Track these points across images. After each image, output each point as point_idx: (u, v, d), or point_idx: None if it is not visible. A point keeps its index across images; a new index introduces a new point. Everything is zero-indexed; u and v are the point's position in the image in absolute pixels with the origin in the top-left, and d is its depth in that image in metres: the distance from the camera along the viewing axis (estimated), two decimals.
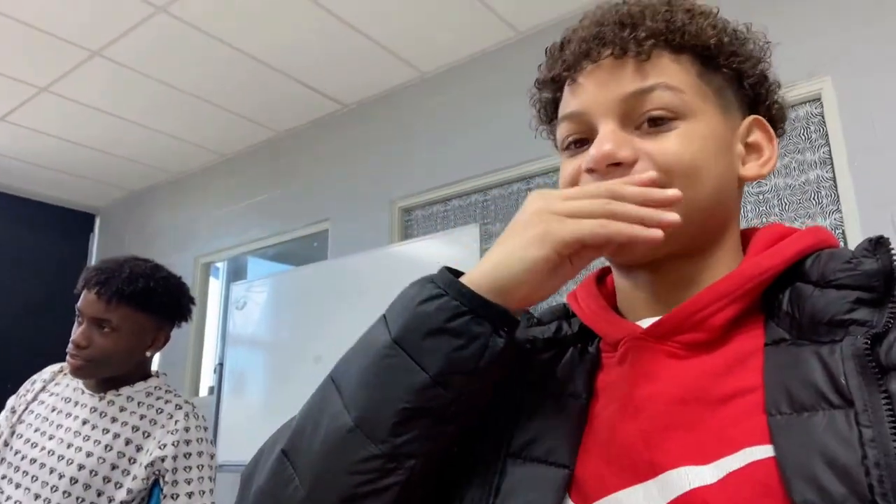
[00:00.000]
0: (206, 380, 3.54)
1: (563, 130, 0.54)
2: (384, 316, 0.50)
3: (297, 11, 2.51)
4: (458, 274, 0.49)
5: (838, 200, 1.87)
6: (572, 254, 0.46)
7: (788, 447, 0.39)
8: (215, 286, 3.82)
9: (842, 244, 0.50)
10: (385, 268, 2.61)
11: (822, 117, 1.94)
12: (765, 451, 0.40)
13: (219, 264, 3.83)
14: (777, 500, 0.38)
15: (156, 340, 1.36)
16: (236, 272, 3.79)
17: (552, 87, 0.56)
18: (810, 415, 0.40)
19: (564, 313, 0.58)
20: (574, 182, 0.52)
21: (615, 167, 0.49)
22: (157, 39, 2.67)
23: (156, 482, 1.25)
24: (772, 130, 0.55)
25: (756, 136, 0.54)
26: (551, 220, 0.46)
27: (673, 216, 0.44)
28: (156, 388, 1.36)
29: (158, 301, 1.34)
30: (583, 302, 0.56)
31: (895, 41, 1.86)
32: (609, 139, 0.49)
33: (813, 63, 1.97)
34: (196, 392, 3.54)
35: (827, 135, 1.92)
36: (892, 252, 0.45)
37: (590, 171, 0.50)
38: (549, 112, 0.59)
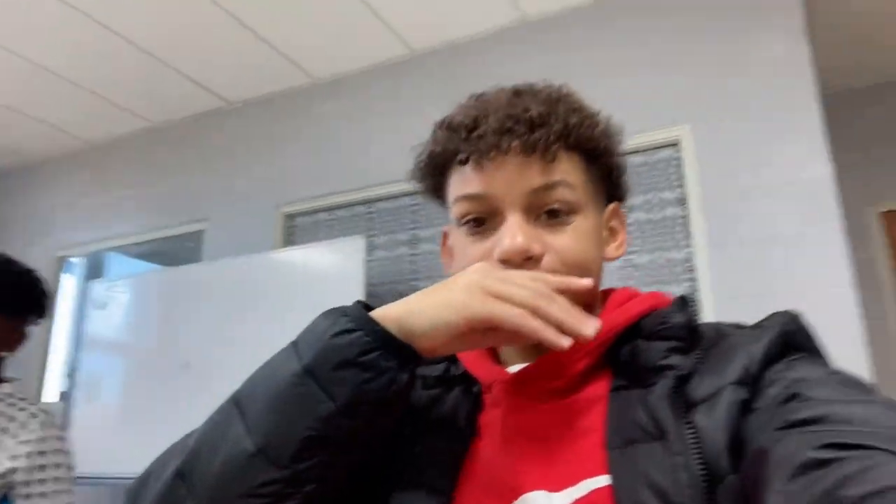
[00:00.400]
0: (54, 384, 3.24)
1: (462, 208, 0.58)
2: (294, 343, 0.51)
3: (185, 1, 2.41)
4: (369, 307, 0.52)
5: (690, 236, 2.09)
6: (486, 329, 0.49)
7: (620, 476, 0.46)
8: (69, 284, 3.52)
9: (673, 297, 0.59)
10: (266, 274, 2.55)
11: (680, 161, 2.17)
12: (604, 481, 0.47)
13: (74, 260, 3.53)
14: None
15: (12, 340, 1.26)
16: (94, 269, 3.52)
17: (449, 159, 0.59)
18: (636, 447, 0.47)
19: (452, 356, 0.62)
20: None
21: (527, 259, 0.54)
22: (22, 12, 2.45)
23: (6, 495, 1.15)
24: (623, 214, 0.63)
25: (614, 222, 0.62)
26: (476, 293, 0.48)
27: (589, 333, 0.48)
28: (8, 394, 1.25)
29: (13, 297, 1.24)
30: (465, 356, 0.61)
31: (746, 95, 2.12)
32: (521, 233, 0.54)
33: (675, 111, 2.20)
34: (40, 397, 3.23)
35: (683, 177, 2.15)
36: (693, 308, 0.55)
37: (503, 261, 0.54)
38: (432, 173, 0.62)
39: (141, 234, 3.24)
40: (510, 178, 0.55)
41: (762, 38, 2.14)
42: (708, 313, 1.99)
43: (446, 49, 2.72)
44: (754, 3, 2.19)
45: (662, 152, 2.20)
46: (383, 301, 0.52)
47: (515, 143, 0.54)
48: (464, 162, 0.57)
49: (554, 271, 0.54)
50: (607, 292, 0.62)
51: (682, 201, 2.14)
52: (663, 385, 0.49)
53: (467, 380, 0.60)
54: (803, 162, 2.00)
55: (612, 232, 0.62)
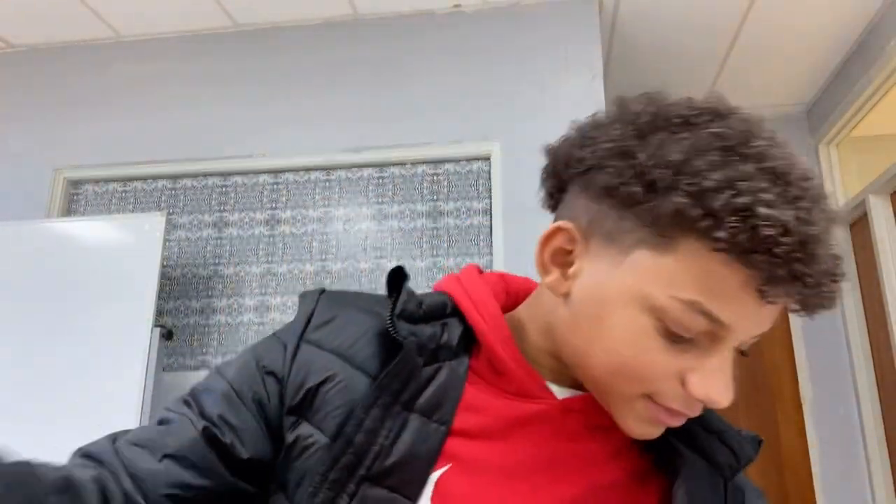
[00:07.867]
0: None
1: (694, 321, 0.45)
2: None
3: None
4: None
5: (491, 245, 2.26)
6: None
7: None
8: None
9: None
10: (36, 245, 2.25)
11: (489, 174, 2.34)
12: None
13: None
14: None
15: None
16: None
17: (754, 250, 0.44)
18: None
19: (444, 312, 0.54)
20: None
21: None
22: None
23: None
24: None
25: None
26: None
27: None
28: None
29: None
30: (492, 333, 0.53)
31: (547, 125, 2.34)
32: (731, 385, 0.49)
33: (488, 128, 2.37)
34: None
35: (490, 189, 2.32)
36: None
37: (698, 400, 0.47)
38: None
39: None
40: (763, 322, 0.44)
41: (566, 78, 2.40)
42: None
43: (273, 29, 2.64)
44: (564, 48, 2.45)
45: (474, 164, 2.36)
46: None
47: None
48: (769, 282, 0.41)
49: None
50: None
51: (487, 212, 2.31)
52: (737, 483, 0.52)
53: (455, 352, 0.52)
54: None
55: None
